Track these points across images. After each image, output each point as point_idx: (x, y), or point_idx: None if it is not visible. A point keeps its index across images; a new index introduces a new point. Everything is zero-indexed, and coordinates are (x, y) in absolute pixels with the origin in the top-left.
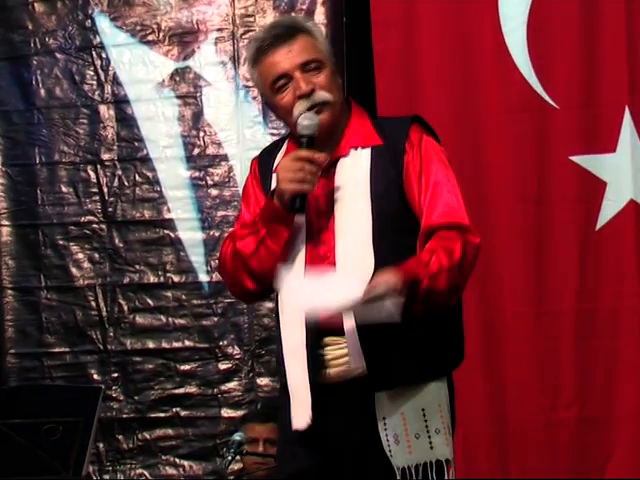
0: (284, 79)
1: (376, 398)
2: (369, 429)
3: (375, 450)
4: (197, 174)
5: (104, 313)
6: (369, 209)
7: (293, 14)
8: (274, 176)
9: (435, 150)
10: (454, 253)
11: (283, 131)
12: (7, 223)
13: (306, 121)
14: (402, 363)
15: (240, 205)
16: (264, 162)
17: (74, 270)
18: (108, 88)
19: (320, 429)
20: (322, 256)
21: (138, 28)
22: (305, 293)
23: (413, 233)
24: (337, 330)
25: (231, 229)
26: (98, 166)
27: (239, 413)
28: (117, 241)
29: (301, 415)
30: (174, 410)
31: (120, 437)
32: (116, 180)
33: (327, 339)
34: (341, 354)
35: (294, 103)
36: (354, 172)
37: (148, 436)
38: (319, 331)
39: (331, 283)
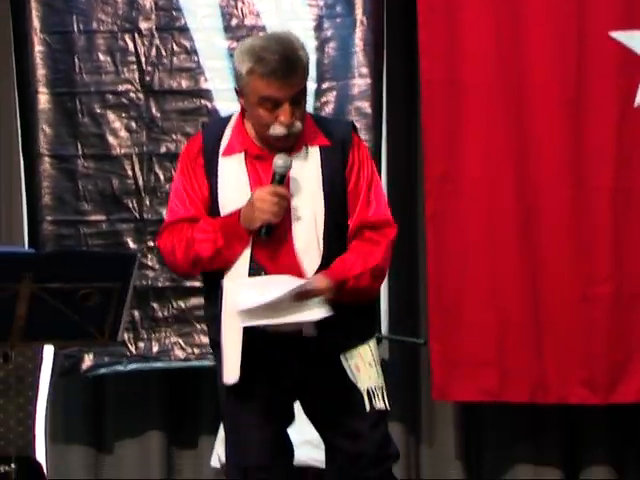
0: (274, 102)
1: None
2: (331, 365)
3: (336, 380)
4: (235, 44)
5: (140, 182)
6: (322, 204)
7: None
8: (221, 160)
9: (368, 157)
10: (376, 254)
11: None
12: (45, 90)
13: (281, 161)
14: (351, 326)
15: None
16: (210, 146)
17: (111, 139)
18: None
19: (280, 367)
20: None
21: None
22: (243, 294)
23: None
24: None
25: (169, 219)
26: (136, 35)
27: None
28: (154, 110)
29: (230, 371)
30: None
31: (155, 305)
32: (154, 49)
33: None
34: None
35: (271, 121)
36: (307, 169)
37: (183, 305)
38: None
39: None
